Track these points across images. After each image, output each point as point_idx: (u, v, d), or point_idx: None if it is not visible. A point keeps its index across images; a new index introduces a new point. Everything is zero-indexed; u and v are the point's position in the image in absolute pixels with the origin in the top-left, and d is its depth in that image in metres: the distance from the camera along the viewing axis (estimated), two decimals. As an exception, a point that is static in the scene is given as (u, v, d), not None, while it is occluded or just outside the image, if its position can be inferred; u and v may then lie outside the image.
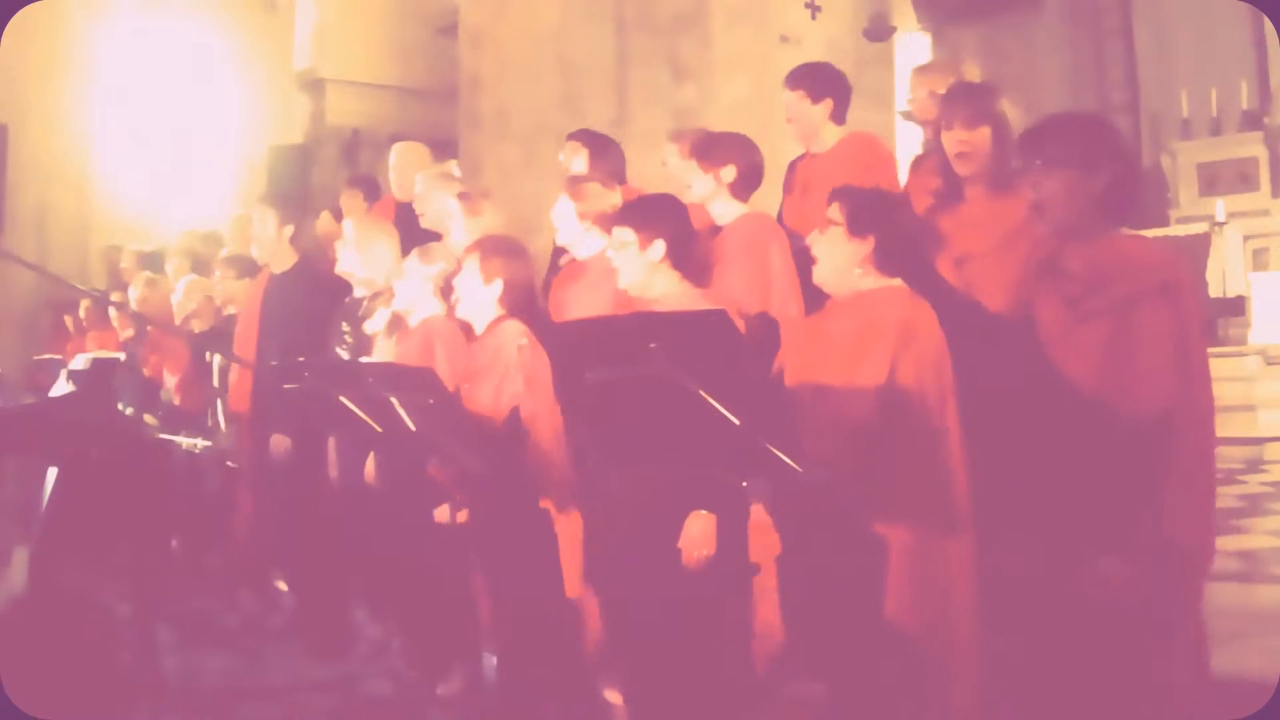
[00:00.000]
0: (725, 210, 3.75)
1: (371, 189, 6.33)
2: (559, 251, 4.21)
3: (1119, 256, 2.56)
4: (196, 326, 5.82)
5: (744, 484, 2.77)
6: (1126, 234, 2.67)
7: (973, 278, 3.05)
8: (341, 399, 3.27)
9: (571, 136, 4.66)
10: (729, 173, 3.69)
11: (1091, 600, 2.39)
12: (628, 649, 3.31)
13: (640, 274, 3.21)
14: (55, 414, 4.10)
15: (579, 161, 4.48)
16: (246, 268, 5.51)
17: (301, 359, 4.02)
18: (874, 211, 2.90)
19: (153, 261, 7.43)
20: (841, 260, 2.90)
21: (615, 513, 3.24)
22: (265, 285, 5.08)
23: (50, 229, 9.97)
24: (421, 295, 4.04)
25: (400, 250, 4.42)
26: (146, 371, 5.99)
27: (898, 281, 2.90)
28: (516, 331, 3.58)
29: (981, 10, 12.08)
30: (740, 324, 3.11)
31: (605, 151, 4.53)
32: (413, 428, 3.13)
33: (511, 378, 3.51)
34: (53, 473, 4.32)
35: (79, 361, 5.38)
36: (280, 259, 5.03)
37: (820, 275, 2.96)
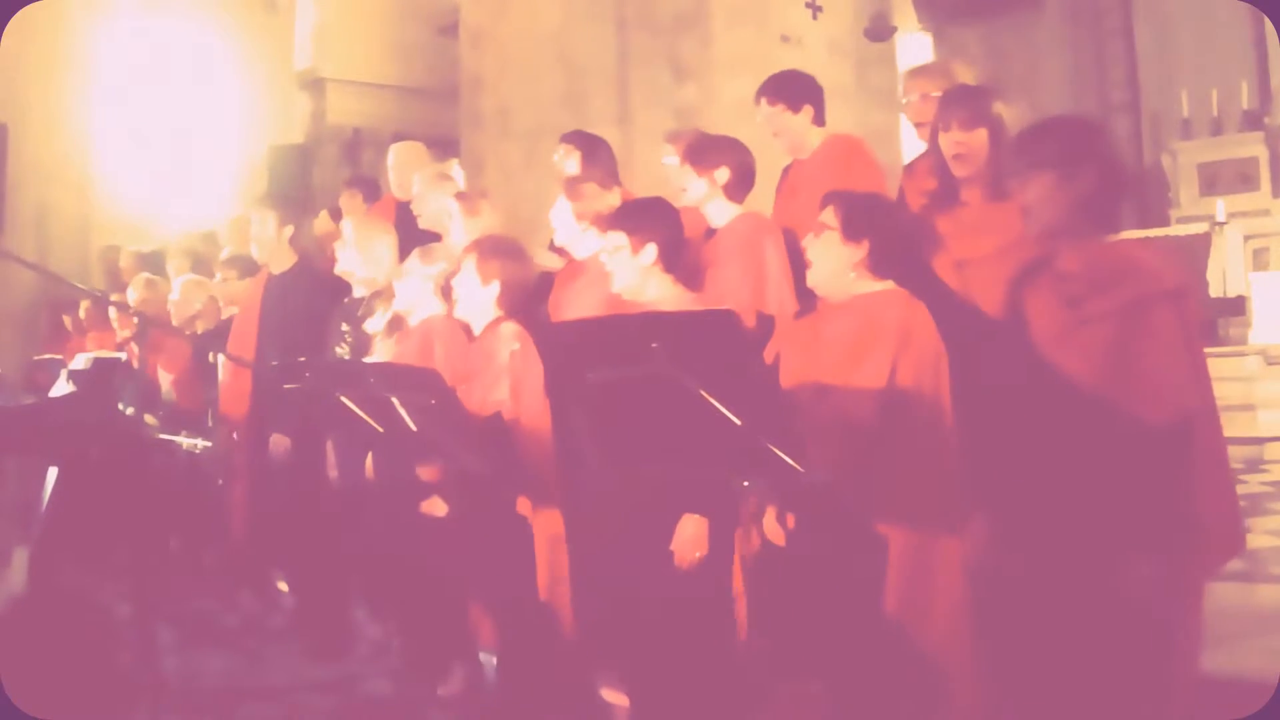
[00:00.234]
0: (720, 212, 3.77)
1: (370, 189, 6.33)
2: (557, 250, 4.22)
3: (1121, 259, 2.56)
4: (201, 327, 5.83)
5: (745, 484, 2.77)
6: (1122, 237, 2.68)
7: (973, 281, 3.05)
8: (342, 399, 3.27)
9: (564, 139, 4.67)
10: (722, 174, 3.71)
11: (1117, 599, 2.40)
12: (622, 649, 3.32)
13: (633, 278, 3.23)
14: (55, 414, 4.10)
15: (571, 163, 4.50)
16: (248, 268, 5.51)
17: (302, 359, 4.02)
18: (869, 215, 2.91)
19: (151, 262, 7.42)
20: (836, 264, 2.91)
21: (608, 515, 3.25)
22: (264, 285, 5.08)
23: (50, 229, 9.97)
24: (422, 295, 4.04)
25: (400, 250, 4.43)
26: (146, 371, 5.98)
27: (891, 284, 2.91)
28: (510, 335, 3.58)
29: (982, 10, 12.08)
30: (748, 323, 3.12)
31: (597, 153, 4.54)
32: (413, 428, 3.14)
33: (499, 383, 3.52)
34: (53, 473, 4.33)
35: (79, 361, 5.37)
36: (279, 259, 5.03)
37: (815, 278, 2.97)
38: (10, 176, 9.71)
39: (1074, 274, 2.56)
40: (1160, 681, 2.46)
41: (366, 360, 4.23)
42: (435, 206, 4.64)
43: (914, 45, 11.53)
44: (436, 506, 3.67)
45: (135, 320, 6.15)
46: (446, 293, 3.96)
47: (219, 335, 5.54)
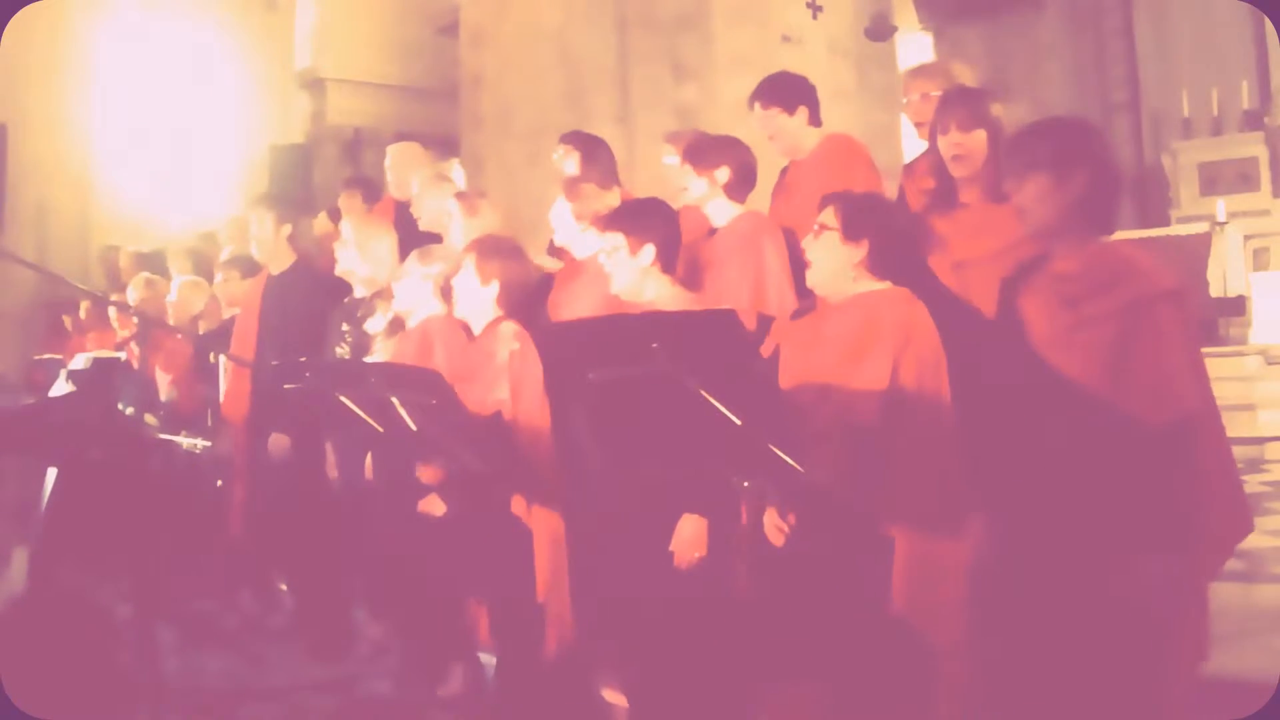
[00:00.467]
0: (721, 211, 3.77)
1: (369, 189, 6.33)
2: (556, 251, 4.23)
3: (1119, 260, 2.56)
4: (202, 327, 5.83)
5: (745, 484, 2.77)
6: (1122, 237, 2.68)
7: (972, 282, 3.06)
8: (342, 399, 3.27)
9: (563, 139, 4.67)
10: (723, 174, 3.71)
11: (1118, 599, 2.40)
12: (622, 650, 3.32)
13: (631, 278, 3.23)
14: (55, 414, 4.10)
15: (571, 163, 4.50)
16: (249, 268, 5.51)
17: (302, 359, 4.02)
18: (868, 216, 2.92)
19: (151, 261, 7.42)
20: (836, 264, 2.91)
21: (608, 515, 3.25)
22: (264, 285, 5.08)
23: (50, 229, 9.97)
24: (422, 295, 4.04)
25: (400, 250, 4.42)
26: (146, 371, 5.98)
27: (891, 284, 2.91)
28: (510, 335, 3.58)
29: (983, 10, 12.08)
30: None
31: (596, 153, 4.54)
32: (414, 428, 3.13)
33: (499, 383, 3.52)
34: (53, 473, 4.32)
35: (79, 361, 5.36)
36: (278, 259, 5.03)
37: (814, 279, 2.98)
38: (10, 176, 9.72)
39: (1072, 275, 2.56)
40: (1161, 681, 2.46)
41: (366, 360, 4.23)
42: (435, 207, 4.64)
43: (914, 45, 11.53)
44: (435, 505, 3.67)
45: (135, 320, 6.17)
46: (446, 293, 3.96)
47: (219, 335, 5.54)
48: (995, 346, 2.73)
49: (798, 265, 3.14)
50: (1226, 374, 7.48)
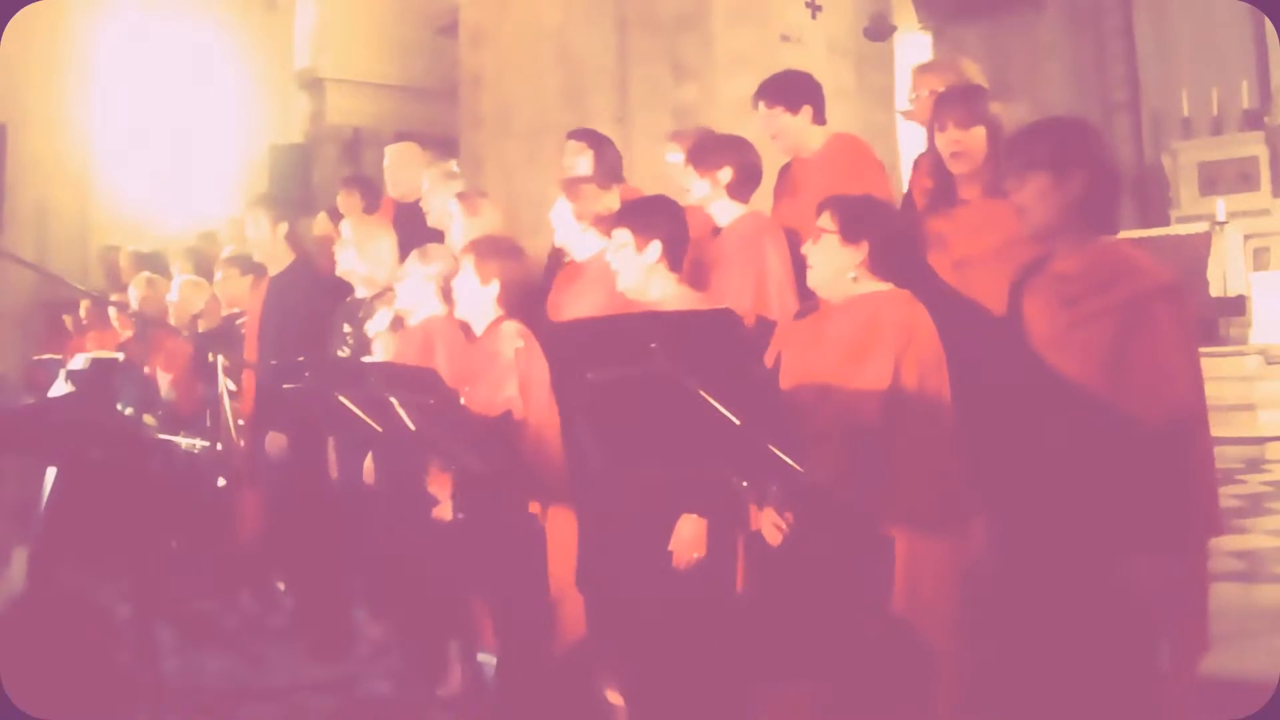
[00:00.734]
0: (725, 211, 3.76)
1: (368, 189, 6.33)
2: (556, 252, 4.22)
3: (1118, 258, 2.56)
4: (202, 327, 5.82)
5: (744, 484, 2.77)
6: (1120, 239, 2.68)
7: (972, 281, 3.05)
8: (341, 399, 3.27)
9: (573, 135, 4.66)
10: (726, 174, 3.70)
11: (1117, 598, 2.40)
12: (623, 649, 3.32)
13: (637, 276, 3.22)
14: (55, 414, 4.09)
15: (583, 161, 4.49)
16: (249, 266, 5.52)
17: (301, 359, 4.02)
18: (867, 218, 2.93)
19: (151, 261, 7.41)
20: (836, 266, 2.92)
21: (608, 515, 3.24)
22: (266, 287, 5.08)
23: (50, 229, 9.98)
24: (422, 296, 4.04)
25: (400, 250, 4.42)
26: (146, 371, 5.98)
27: (891, 285, 2.92)
28: (514, 333, 3.58)
29: (982, 10, 12.08)
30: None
31: (606, 151, 4.54)
32: (413, 428, 3.13)
33: (507, 380, 3.51)
34: (52, 473, 4.32)
35: (79, 361, 5.36)
36: (277, 259, 5.03)
37: (814, 280, 2.98)
38: (10, 176, 9.73)
39: (1072, 274, 2.56)
40: (1161, 681, 2.46)
41: (368, 360, 4.22)
42: (440, 204, 4.65)
43: (914, 45, 11.53)
44: (446, 513, 3.66)
45: (135, 320, 6.17)
46: (447, 293, 3.96)
47: (219, 335, 5.54)
48: (995, 347, 2.73)
49: (801, 265, 3.13)
50: (1226, 374, 7.47)
